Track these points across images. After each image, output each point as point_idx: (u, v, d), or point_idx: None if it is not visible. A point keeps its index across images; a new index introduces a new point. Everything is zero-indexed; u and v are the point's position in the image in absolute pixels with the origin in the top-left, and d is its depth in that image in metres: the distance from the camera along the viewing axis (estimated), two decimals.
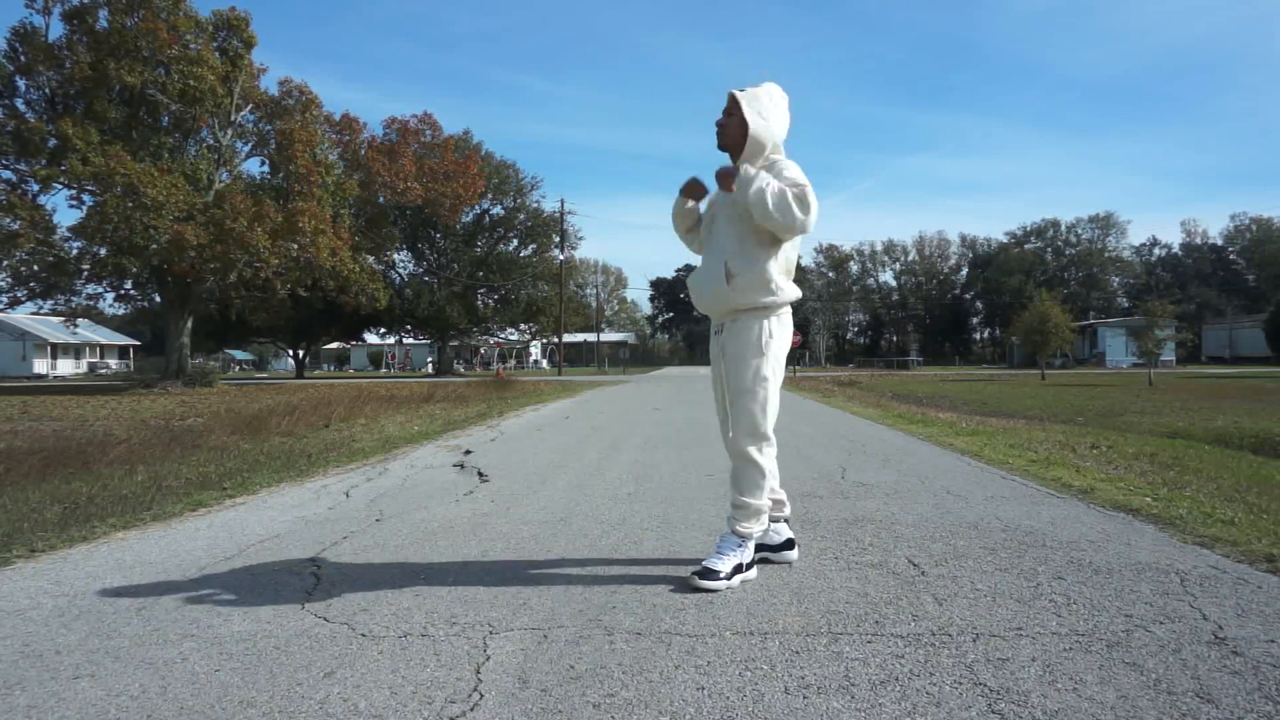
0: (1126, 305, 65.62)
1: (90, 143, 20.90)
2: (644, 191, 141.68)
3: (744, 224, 2.84)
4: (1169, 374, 32.95)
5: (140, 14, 22.26)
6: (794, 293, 2.94)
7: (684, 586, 2.75)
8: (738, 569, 2.81)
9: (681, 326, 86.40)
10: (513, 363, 60.78)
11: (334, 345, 63.11)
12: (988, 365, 60.62)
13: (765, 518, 2.92)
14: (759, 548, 3.03)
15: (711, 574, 2.75)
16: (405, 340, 54.38)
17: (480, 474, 5.64)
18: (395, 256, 43.40)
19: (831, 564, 3.08)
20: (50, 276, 23.65)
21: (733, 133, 2.86)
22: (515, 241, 47.54)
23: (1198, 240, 76.53)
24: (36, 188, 22.68)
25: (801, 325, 62.42)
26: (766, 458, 2.86)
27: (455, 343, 49.24)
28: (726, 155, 2.94)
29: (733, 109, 2.87)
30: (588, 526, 3.83)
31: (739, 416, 2.85)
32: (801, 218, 2.71)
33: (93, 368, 54.39)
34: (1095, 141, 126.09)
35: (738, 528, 2.85)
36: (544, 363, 66.18)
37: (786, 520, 3.15)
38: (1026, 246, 75.78)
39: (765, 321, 2.87)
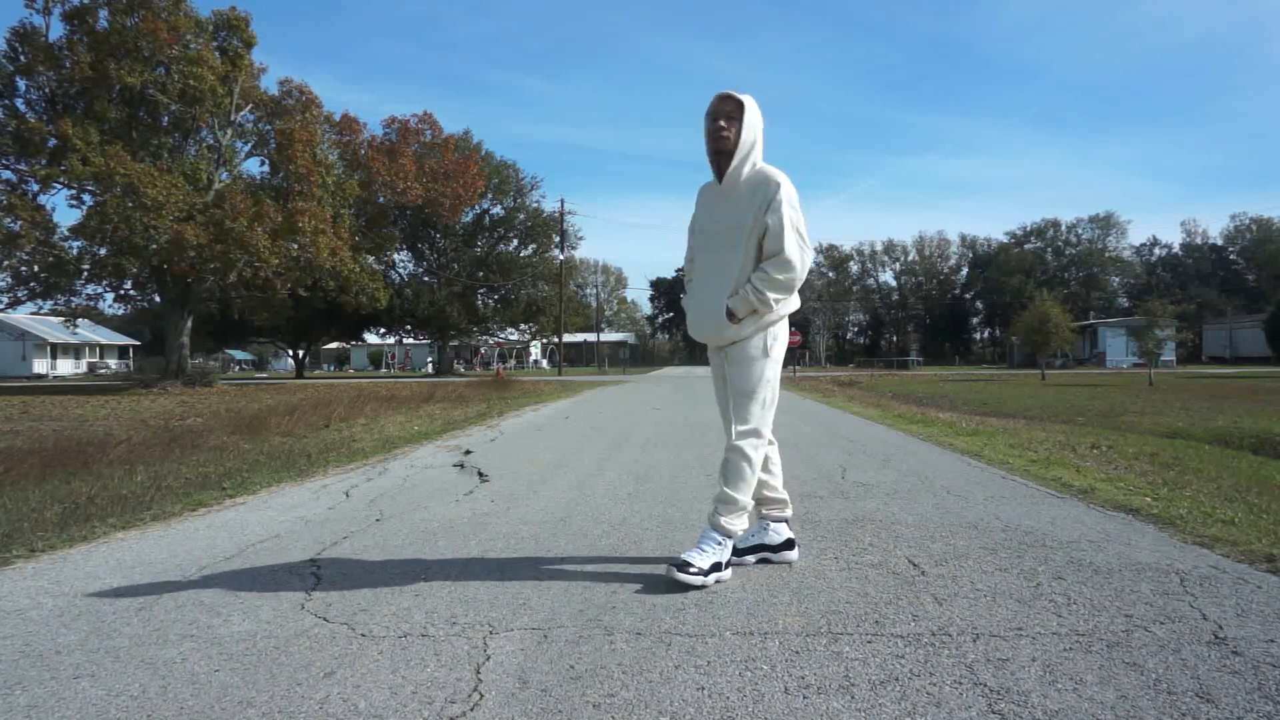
0: (1127, 305, 65.51)
1: (90, 143, 20.90)
2: (644, 191, 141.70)
3: (746, 253, 2.87)
4: (1169, 374, 32.95)
5: (140, 14, 22.25)
6: (795, 304, 2.99)
7: (670, 585, 2.74)
8: (715, 567, 2.80)
9: (681, 326, 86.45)
10: (512, 363, 60.77)
11: (334, 345, 63.11)
12: (988, 365, 60.58)
13: (747, 518, 2.92)
14: (759, 548, 3.06)
15: (687, 566, 2.74)
16: (405, 340, 54.35)
17: (480, 474, 5.64)
18: (395, 256, 43.43)
19: (831, 564, 3.07)
20: (50, 277, 23.63)
21: (733, 141, 2.85)
22: (515, 241, 47.53)
23: (1198, 240, 76.48)
24: (36, 188, 22.68)
25: (802, 325, 62.45)
26: (759, 453, 2.89)
27: (455, 343, 49.23)
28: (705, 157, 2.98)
29: (736, 114, 2.85)
30: (588, 526, 3.83)
31: (737, 412, 2.90)
32: (793, 282, 2.85)
33: (92, 368, 54.36)
34: (1095, 142, 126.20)
35: (721, 522, 2.84)
36: (544, 363, 66.16)
37: (788, 521, 3.16)
38: (1026, 246, 75.72)
39: (768, 330, 2.93)
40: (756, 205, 2.84)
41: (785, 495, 3.12)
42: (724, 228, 2.91)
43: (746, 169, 2.87)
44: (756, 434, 2.88)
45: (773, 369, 2.93)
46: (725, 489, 2.87)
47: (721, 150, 2.86)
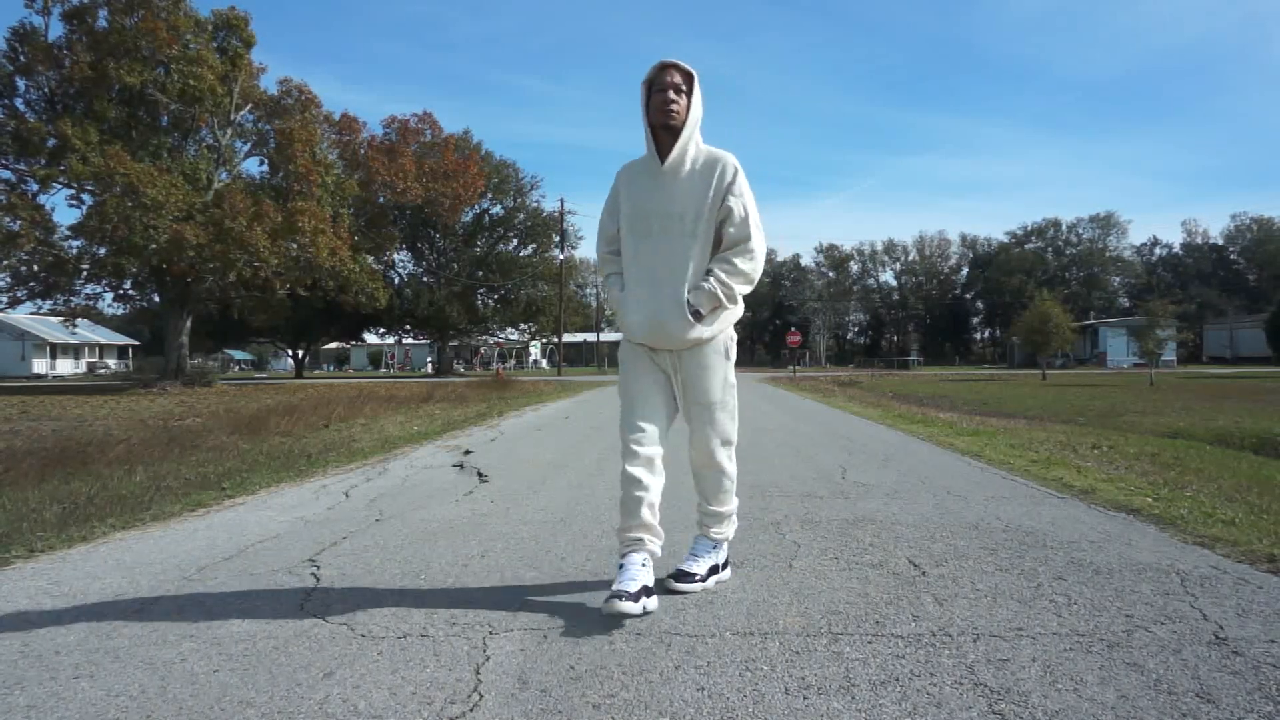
0: (1127, 305, 65.50)
1: (90, 142, 20.91)
2: None
3: (704, 241, 2.62)
4: (1170, 374, 32.95)
5: (140, 14, 22.27)
6: (741, 309, 2.82)
7: (663, 590, 2.71)
8: (713, 570, 2.80)
9: None
10: (512, 363, 60.74)
11: (333, 345, 63.13)
12: (988, 365, 60.54)
13: (736, 519, 2.88)
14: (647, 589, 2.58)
15: (688, 577, 2.72)
16: (405, 340, 54.37)
17: (480, 474, 5.63)
18: (395, 256, 43.46)
19: (832, 564, 3.07)
20: (50, 276, 23.66)
21: (683, 115, 2.60)
22: (515, 241, 47.55)
23: (1198, 240, 76.49)
24: (36, 187, 22.70)
25: (802, 325, 62.45)
26: (734, 462, 2.80)
27: (455, 343, 49.23)
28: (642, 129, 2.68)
29: (686, 87, 2.61)
30: (588, 527, 3.82)
31: (712, 427, 2.72)
32: (756, 273, 2.69)
33: (92, 368, 54.35)
34: (1095, 142, 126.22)
35: (712, 533, 2.81)
36: (544, 363, 66.13)
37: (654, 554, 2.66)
38: (1027, 246, 75.68)
39: (727, 330, 2.76)
40: (714, 187, 2.60)
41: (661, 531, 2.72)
42: (672, 213, 2.61)
43: (692, 148, 2.63)
44: (729, 443, 2.77)
45: (733, 373, 2.77)
46: (711, 507, 2.80)
47: (670, 125, 2.59)
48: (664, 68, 2.61)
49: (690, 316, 2.59)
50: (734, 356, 2.80)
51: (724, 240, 2.65)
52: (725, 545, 2.87)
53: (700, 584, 2.72)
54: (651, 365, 2.74)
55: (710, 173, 2.62)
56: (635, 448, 2.66)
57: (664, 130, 2.60)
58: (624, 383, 2.79)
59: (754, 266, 2.66)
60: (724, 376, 2.72)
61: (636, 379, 2.74)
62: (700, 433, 2.74)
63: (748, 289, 2.69)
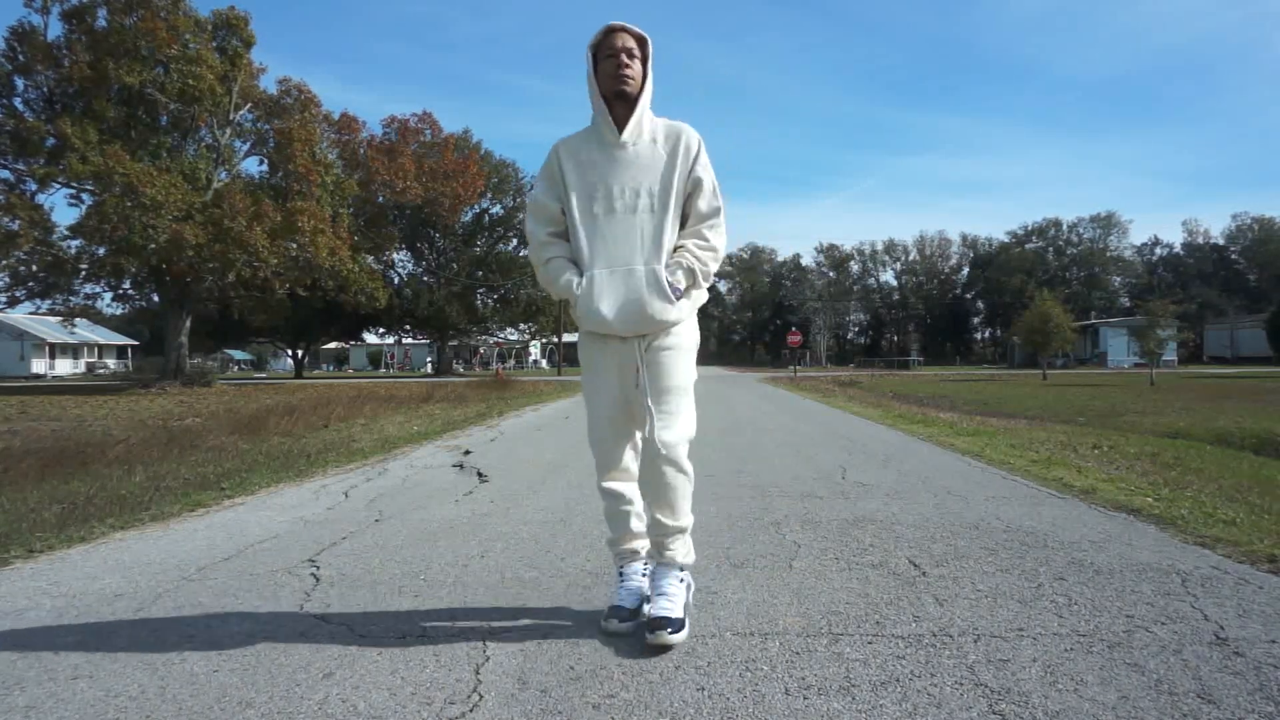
0: (1128, 305, 65.35)
1: (89, 142, 20.92)
2: None
3: (674, 216, 2.40)
4: (1170, 374, 32.95)
5: (139, 13, 22.28)
6: (705, 294, 2.67)
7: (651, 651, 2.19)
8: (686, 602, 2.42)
9: None
10: (512, 362, 60.73)
11: (333, 345, 63.13)
12: (989, 365, 60.51)
13: (690, 540, 2.47)
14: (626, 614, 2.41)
15: (672, 624, 2.24)
16: (405, 340, 54.37)
17: (480, 474, 5.63)
18: (395, 256, 43.48)
19: (832, 564, 3.07)
20: (49, 276, 23.68)
21: (638, 83, 2.39)
22: (515, 241, 47.54)
23: (1199, 240, 76.54)
24: (35, 187, 22.71)
25: (802, 325, 62.45)
26: (691, 463, 2.41)
27: (455, 343, 49.24)
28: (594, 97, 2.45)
29: (639, 52, 2.40)
30: (588, 527, 3.82)
31: (674, 417, 2.36)
32: (723, 248, 2.48)
33: (91, 368, 54.34)
34: (1096, 141, 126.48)
35: (677, 557, 2.39)
36: (543, 362, 66.12)
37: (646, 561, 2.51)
38: (1028, 246, 75.74)
39: (694, 314, 2.56)
40: (681, 160, 2.39)
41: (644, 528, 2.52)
42: (640, 188, 2.37)
43: (648, 119, 2.43)
44: (690, 436, 2.40)
45: (694, 356, 2.53)
46: (671, 521, 2.36)
47: (624, 93, 2.37)
48: (613, 31, 2.38)
49: (672, 295, 2.34)
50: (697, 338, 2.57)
51: (692, 214, 2.44)
52: (690, 578, 2.46)
53: (687, 624, 2.31)
54: (617, 364, 2.41)
55: (675, 145, 2.42)
56: (610, 460, 2.47)
57: (617, 99, 2.39)
58: (589, 387, 2.48)
59: (723, 241, 2.49)
60: (691, 361, 2.49)
61: (604, 381, 2.43)
62: (662, 421, 2.35)
63: (717, 265, 2.50)
